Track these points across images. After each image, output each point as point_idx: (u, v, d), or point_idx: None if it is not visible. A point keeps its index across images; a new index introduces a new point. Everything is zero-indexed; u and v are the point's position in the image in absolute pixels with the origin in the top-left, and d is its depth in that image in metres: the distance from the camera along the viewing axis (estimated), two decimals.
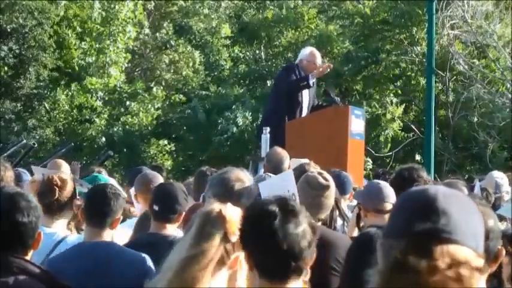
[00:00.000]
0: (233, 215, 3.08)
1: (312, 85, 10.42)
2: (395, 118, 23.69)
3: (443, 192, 2.03)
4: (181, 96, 25.79)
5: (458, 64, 22.79)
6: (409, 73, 25.23)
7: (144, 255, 4.86)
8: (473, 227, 2.02)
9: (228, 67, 26.37)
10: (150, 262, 4.80)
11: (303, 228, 2.99)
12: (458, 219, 1.99)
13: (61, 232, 5.31)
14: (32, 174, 8.13)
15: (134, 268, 4.77)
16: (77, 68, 24.89)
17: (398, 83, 25.62)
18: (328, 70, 10.99)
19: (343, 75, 24.99)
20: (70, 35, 24.80)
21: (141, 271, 4.74)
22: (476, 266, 1.97)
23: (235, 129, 23.15)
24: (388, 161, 23.06)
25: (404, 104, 24.45)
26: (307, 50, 11.03)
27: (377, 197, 5.22)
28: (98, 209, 4.89)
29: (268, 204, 3.02)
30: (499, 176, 7.79)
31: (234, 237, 3.05)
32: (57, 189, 5.35)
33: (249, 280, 3.04)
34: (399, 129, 23.97)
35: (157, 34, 26.84)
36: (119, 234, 5.43)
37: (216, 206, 3.09)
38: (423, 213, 1.99)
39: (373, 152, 22.14)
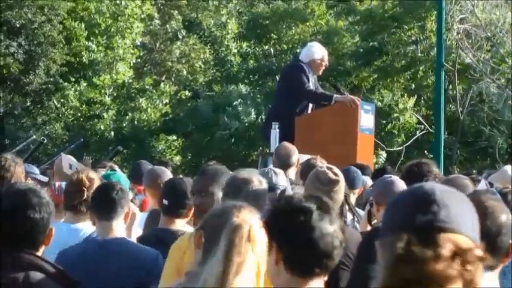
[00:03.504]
0: (257, 232, 3.02)
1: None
2: (408, 108, 23.50)
3: (439, 188, 2.10)
4: (187, 93, 25.74)
5: (467, 57, 22.71)
6: (416, 69, 25.11)
7: (156, 251, 4.87)
8: (470, 219, 2.09)
9: (237, 62, 26.34)
10: (161, 259, 4.79)
11: (336, 227, 2.99)
12: (456, 211, 2.05)
13: (88, 228, 5.32)
14: (41, 171, 8.15)
15: (144, 264, 4.79)
16: (86, 61, 24.84)
17: (408, 76, 25.51)
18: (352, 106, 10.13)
19: (351, 72, 24.94)
20: (77, 25, 24.75)
21: (151, 268, 4.76)
22: (478, 255, 2.02)
23: (237, 124, 23.10)
24: (396, 155, 23.00)
25: (414, 98, 24.33)
26: (316, 48, 10.51)
27: (391, 190, 5.20)
28: (105, 202, 4.90)
29: (305, 200, 3.02)
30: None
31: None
32: (85, 190, 5.35)
33: (272, 274, 2.99)
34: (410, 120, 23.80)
35: (167, 25, 26.80)
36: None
37: (242, 221, 3.04)
38: (423, 206, 2.04)
39: (384, 146, 22.06)
